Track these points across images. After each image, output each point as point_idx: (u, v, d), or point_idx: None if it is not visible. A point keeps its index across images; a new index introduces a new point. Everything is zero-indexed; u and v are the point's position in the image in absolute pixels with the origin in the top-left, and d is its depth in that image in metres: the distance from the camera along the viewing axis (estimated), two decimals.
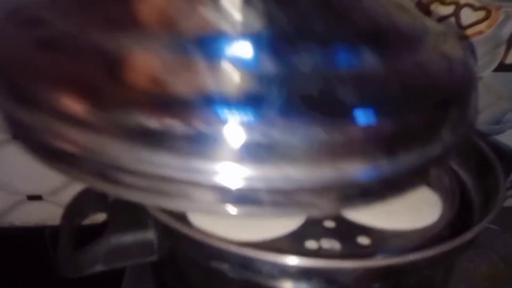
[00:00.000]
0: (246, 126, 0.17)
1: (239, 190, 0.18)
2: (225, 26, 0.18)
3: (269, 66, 0.18)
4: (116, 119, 0.17)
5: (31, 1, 0.21)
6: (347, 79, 0.19)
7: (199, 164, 0.18)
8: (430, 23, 0.27)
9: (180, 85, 0.17)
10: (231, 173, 0.18)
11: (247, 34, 0.18)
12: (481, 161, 0.32)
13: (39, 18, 0.20)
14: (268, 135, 0.17)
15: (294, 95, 0.18)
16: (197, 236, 0.24)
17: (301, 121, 0.17)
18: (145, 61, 0.18)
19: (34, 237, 0.48)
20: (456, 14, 0.48)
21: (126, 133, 0.17)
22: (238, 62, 0.18)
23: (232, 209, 0.19)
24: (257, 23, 0.18)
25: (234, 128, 0.17)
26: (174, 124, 0.17)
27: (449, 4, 0.48)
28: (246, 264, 0.23)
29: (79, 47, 0.18)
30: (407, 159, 0.20)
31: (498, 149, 0.34)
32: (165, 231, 0.27)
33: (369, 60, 0.19)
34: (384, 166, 0.19)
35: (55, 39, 0.19)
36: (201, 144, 0.17)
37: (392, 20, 0.23)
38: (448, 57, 0.23)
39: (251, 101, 0.17)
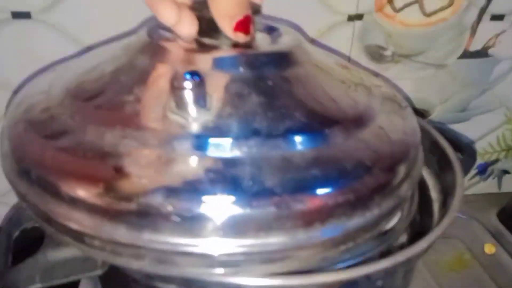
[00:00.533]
0: (224, 205, 0.21)
1: (221, 256, 0.22)
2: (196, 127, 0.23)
3: (239, 153, 0.22)
4: (117, 204, 0.21)
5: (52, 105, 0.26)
6: (308, 158, 0.23)
7: (186, 239, 0.21)
8: (370, 82, 0.31)
9: (167, 176, 0.22)
10: (214, 244, 0.21)
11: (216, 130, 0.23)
12: (440, 158, 0.31)
13: (61, 127, 0.25)
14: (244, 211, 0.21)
15: (262, 176, 0.22)
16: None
17: (270, 198, 0.21)
18: (142, 157, 0.22)
19: None
20: (420, 1, 0.47)
21: (124, 215, 0.22)
22: (211, 153, 0.22)
23: (218, 271, 0.22)
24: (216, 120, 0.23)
25: (215, 208, 0.21)
26: (162, 207, 0.21)
27: None
28: (191, 285, 0.22)
29: (90, 148, 0.23)
30: (365, 218, 0.23)
31: (458, 142, 0.33)
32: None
33: (328, 140, 0.24)
34: (345, 224, 0.23)
35: (73, 144, 0.24)
36: (188, 223, 0.21)
37: (344, 100, 0.27)
38: (395, 126, 0.28)
39: (227, 184, 0.21)
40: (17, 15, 0.39)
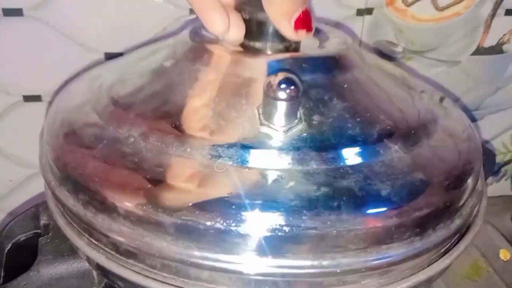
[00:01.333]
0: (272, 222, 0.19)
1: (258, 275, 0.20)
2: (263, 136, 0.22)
3: (300, 165, 0.21)
4: (159, 217, 0.20)
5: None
6: (378, 172, 0.21)
7: (225, 255, 0.20)
8: (428, 91, 0.29)
9: (214, 189, 0.20)
10: (252, 263, 0.20)
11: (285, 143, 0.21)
12: None
13: (104, 136, 0.23)
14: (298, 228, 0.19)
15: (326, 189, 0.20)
16: (132, 277, 0.20)
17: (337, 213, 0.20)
18: (187, 168, 0.21)
19: None
20: None
21: (166, 227, 0.20)
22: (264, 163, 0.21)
23: None
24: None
25: (259, 225, 0.19)
26: (206, 222, 0.20)
27: None
28: None
29: (132, 158, 0.22)
30: (435, 236, 0.21)
31: None
32: (98, 268, 0.22)
33: (393, 154, 0.22)
34: (416, 244, 0.21)
35: (115, 154, 0.22)
36: (229, 238, 0.20)
37: (403, 109, 0.25)
38: (453, 134, 0.26)
39: (276, 200, 0.20)
40: (8, 12, 0.38)
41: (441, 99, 0.29)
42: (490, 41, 0.48)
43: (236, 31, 0.25)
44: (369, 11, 0.44)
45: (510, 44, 0.49)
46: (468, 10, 0.46)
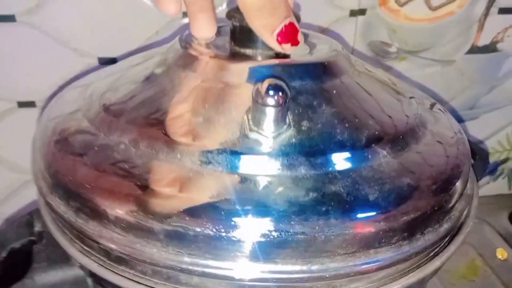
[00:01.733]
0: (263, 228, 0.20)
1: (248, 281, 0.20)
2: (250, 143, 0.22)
3: (289, 170, 0.21)
4: (149, 223, 0.20)
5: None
6: (366, 177, 0.21)
7: (215, 261, 0.20)
8: (418, 97, 0.29)
9: (203, 195, 0.20)
10: (242, 268, 0.20)
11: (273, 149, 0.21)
12: None
13: (95, 143, 0.23)
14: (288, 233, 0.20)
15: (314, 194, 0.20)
16: (124, 284, 0.20)
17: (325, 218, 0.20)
18: (177, 175, 0.21)
19: None
20: None
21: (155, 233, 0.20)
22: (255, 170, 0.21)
23: None
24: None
25: (248, 231, 0.20)
26: (195, 228, 0.20)
27: None
28: None
29: (123, 166, 0.22)
30: (424, 240, 0.21)
31: (471, 145, 0.31)
32: (91, 274, 0.22)
33: (381, 159, 0.22)
34: (404, 248, 0.21)
35: (105, 161, 0.22)
36: (218, 244, 0.20)
37: (391, 115, 0.25)
38: (442, 139, 0.26)
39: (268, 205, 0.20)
40: (1, 18, 0.38)
41: (432, 105, 0.29)
42: (484, 40, 0.48)
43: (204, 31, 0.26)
44: (362, 11, 0.44)
45: (504, 43, 0.49)
46: (462, 9, 0.46)
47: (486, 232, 0.48)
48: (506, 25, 0.48)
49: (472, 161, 0.31)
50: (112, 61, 0.41)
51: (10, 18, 0.38)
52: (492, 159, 0.56)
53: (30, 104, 0.42)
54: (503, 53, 0.49)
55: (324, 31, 0.44)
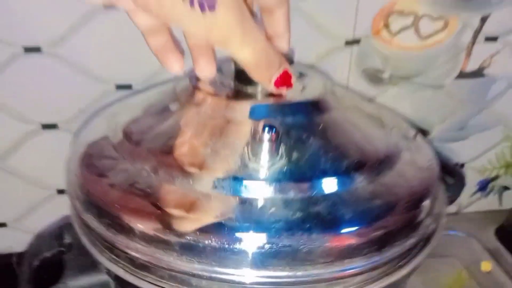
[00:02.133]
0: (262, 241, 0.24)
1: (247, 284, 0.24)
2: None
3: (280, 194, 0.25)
4: (167, 237, 0.25)
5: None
6: (345, 199, 0.25)
7: (220, 268, 0.24)
8: (400, 127, 0.34)
9: (211, 214, 0.24)
10: (242, 274, 0.24)
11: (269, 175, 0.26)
12: None
13: (119, 167, 0.28)
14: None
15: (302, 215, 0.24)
16: (145, 287, 0.24)
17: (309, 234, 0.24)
18: (190, 197, 0.25)
19: (1, 264, 0.47)
20: (415, 24, 0.48)
21: (173, 245, 0.25)
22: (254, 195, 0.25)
23: None
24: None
25: (247, 244, 0.24)
26: (204, 241, 0.24)
27: (407, 14, 0.48)
28: None
29: (144, 189, 0.26)
30: (391, 252, 0.25)
31: (449, 166, 0.35)
32: (117, 279, 0.27)
33: (357, 184, 0.26)
34: (374, 258, 0.25)
35: (129, 184, 0.27)
36: (223, 254, 0.24)
37: (371, 144, 0.30)
38: (415, 165, 0.30)
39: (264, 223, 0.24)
40: (28, 49, 0.42)
41: (415, 135, 0.34)
42: (471, 66, 0.51)
43: (205, 72, 0.29)
44: (356, 41, 0.47)
45: (490, 68, 0.52)
46: (450, 38, 0.49)
47: (473, 246, 0.49)
48: (492, 52, 0.51)
49: (452, 182, 0.35)
50: (128, 87, 0.45)
51: (36, 50, 0.42)
52: (482, 177, 0.59)
53: (53, 126, 0.46)
54: (490, 77, 0.52)
55: (319, 62, 0.48)
